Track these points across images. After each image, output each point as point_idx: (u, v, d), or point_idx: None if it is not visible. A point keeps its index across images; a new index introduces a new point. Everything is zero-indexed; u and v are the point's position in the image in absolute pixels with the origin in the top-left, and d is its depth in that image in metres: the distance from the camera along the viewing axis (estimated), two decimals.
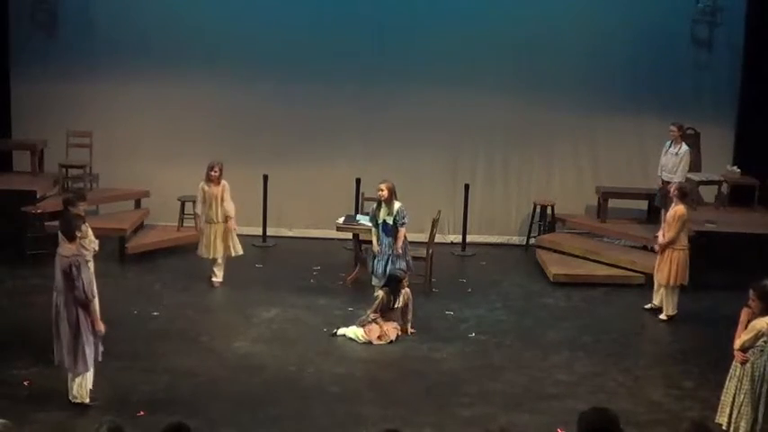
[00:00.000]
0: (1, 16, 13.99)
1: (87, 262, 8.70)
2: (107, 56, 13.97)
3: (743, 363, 7.50)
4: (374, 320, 10.26)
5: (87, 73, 13.99)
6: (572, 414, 5.34)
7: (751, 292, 7.48)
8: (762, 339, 7.38)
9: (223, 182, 11.72)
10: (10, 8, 14.04)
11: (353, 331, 10.21)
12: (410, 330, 10.41)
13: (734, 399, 7.56)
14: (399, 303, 10.35)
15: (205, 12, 14.07)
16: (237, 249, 11.90)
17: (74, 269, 7.95)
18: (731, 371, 7.67)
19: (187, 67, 14.01)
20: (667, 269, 10.91)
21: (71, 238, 8.18)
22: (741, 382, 7.51)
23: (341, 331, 10.29)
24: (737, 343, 7.50)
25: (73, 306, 8.04)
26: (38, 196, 13.00)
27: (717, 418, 7.74)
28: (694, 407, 8.68)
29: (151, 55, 13.98)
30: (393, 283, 10.38)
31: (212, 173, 11.62)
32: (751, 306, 7.50)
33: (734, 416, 7.54)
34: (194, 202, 12.01)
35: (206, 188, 11.67)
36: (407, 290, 10.48)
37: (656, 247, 11.07)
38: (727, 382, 7.71)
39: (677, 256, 10.89)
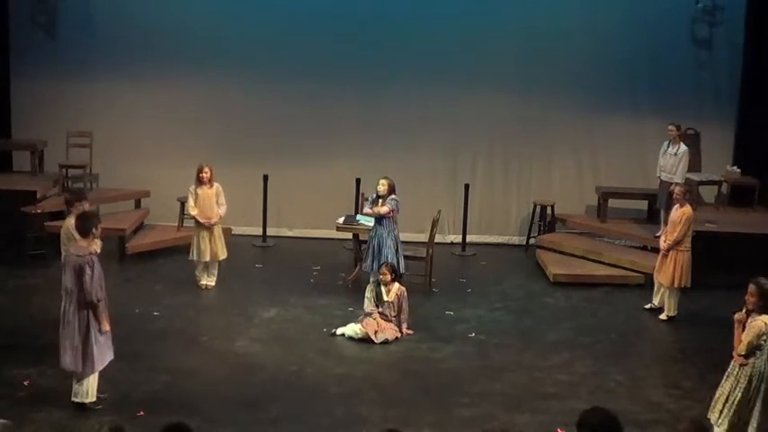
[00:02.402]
0: (1, 16, 14.00)
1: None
2: (107, 56, 13.98)
3: (742, 366, 7.50)
4: (370, 314, 10.26)
5: (87, 73, 14.00)
6: (572, 414, 5.34)
7: (751, 286, 7.46)
8: (762, 338, 7.38)
9: (216, 184, 11.66)
10: (10, 8, 14.05)
11: (351, 328, 10.21)
12: (405, 331, 10.39)
13: (728, 396, 7.57)
14: (390, 297, 10.33)
15: (205, 12, 14.07)
16: (224, 253, 11.84)
17: (87, 268, 7.87)
18: (729, 369, 7.67)
19: (187, 68, 14.02)
20: (671, 271, 10.90)
21: (86, 234, 8.07)
22: (738, 381, 7.52)
23: (340, 330, 10.30)
24: (741, 348, 7.47)
25: (84, 307, 7.96)
26: (38, 196, 13.00)
27: (708, 413, 7.76)
28: (694, 407, 8.66)
29: (151, 55, 13.98)
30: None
31: (202, 174, 11.56)
32: (747, 301, 7.49)
33: (725, 412, 7.56)
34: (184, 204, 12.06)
35: (198, 191, 11.62)
36: (400, 286, 10.47)
37: (663, 246, 11.04)
38: (723, 381, 7.71)
39: (681, 258, 10.89)
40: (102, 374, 8.32)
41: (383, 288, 10.40)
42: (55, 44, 14.18)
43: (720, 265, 11.88)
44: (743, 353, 7.45)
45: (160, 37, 13.99)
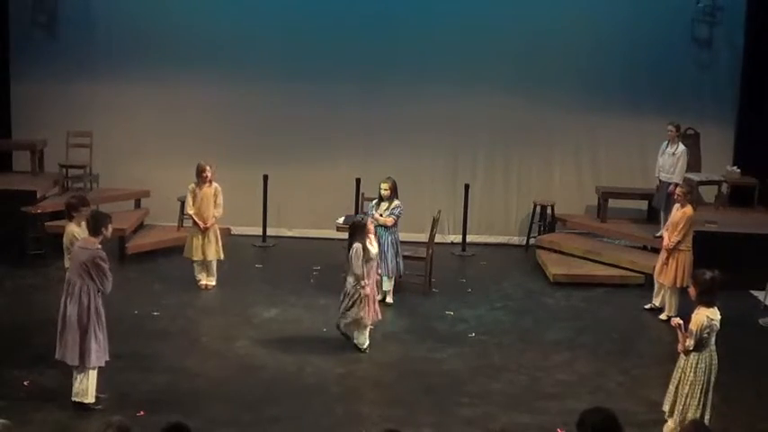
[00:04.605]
0: (1, 16, 14.01)
1: None
2: (107, 56, 14.00)
3: (687, 357, 7.60)
4: (362, 289, 9.67)
5: (87, 73, 14.01)
6: (572, 414, 5.34)
7: (691, 278, 7.79)
8: (705, 332, 7.48)
9: (215, 184, 11.66)
10: (10, 8, 14.05)
11: (363, 338, 9.89)
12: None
13: (677, 388, 7.65)
14: (373, 252, 9.72)
15: (205, 12, 14.08)
16: (221, 253, 11.84)
17: (100, 261, 7.99)
18: (678, 363, 7.76)
19: (187, 68, 14.01)
20: (673, 271, 10.90)
21: (96, 233, 8.12)
22: (685, 373, 7.61)
23: (364, 345, 9.89)
24: (689, 344, 7.54)
25: (86, 300, 8.00)
26: (38, 196, 13.00)
27: (663, 405, 7.85)
28: None
29: (151, 55, 13.98)
30: (358, 232, 9.69)
31: (206, 174, 11.57)
32: (689, 293, 7.71)
33: (679, 406, 7.62)
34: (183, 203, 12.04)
35: (197, 190, 11.62)
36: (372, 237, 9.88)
37: (665, 246, 11.03)
38: (674, 373, 7.79)
39: (683, 258, 10.89)
40: (101, 374, 8.32)
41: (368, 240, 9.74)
42: (55, 44, 14.17)
43: (720, 265, 11.78)
44: (691, 348, 7.54)
45: (160, 37, 13.99)
